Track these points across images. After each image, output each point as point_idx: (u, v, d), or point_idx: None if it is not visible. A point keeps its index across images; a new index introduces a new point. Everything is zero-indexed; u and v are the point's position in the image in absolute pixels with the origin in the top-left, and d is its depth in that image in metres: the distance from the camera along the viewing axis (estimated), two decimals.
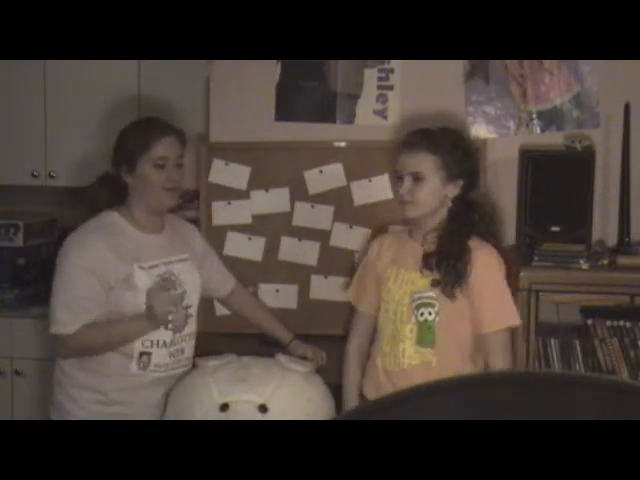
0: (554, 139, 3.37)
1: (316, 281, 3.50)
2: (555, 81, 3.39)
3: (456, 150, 2.75)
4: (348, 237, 3.46)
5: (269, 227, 3.51)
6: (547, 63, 3.37)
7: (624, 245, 3.22)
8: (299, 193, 3.48)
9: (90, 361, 2.70)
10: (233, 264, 3.26)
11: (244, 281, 3.21)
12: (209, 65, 3.56)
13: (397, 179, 2.82)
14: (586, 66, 3.35)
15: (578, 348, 3.18)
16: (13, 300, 3.95)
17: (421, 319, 2.73)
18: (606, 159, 3.33)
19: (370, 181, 3.44)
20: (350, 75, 3.51)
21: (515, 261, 3.06)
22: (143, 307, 2.66)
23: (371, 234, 3.34)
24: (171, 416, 2.65)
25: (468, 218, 2.76)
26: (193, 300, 2.82)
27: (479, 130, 3.44)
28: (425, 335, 2.73)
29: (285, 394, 2.57)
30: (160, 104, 3.67)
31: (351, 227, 3.47)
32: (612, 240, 3.30)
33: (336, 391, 2.79)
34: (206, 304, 3.23)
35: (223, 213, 3.52)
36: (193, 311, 2.82)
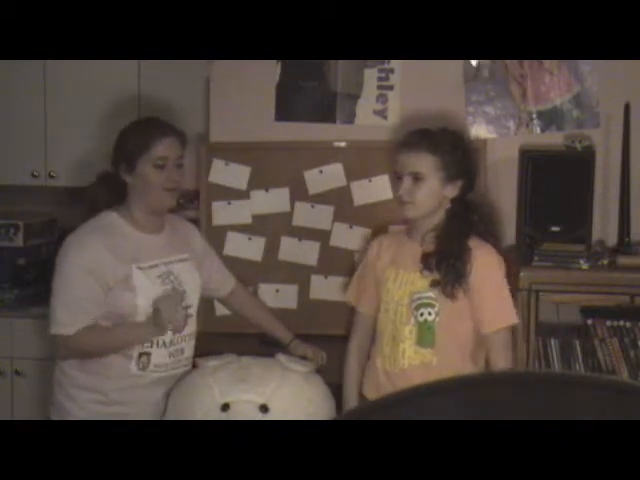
0: (554, 139, 3.37)
1: (316, 281, 3.50)
2: (555, 81, 3.39)
3: (456, 151, 2.75)
4: (348, 237, 3.47)
5: (269, 227, 3.51)
6: (547, 63, 3.38)
7: (624, 245, 3.22)
8: (299, 193, 3.48)
9: (90, 362, 2.69)
10: (233, 264, 3.26)
11: (244, 281, 3.21)
12: (209, 65, 3.56)
13: (396, 179, 2.82)
14: (586, 66, 3.35)
15: (578, 348, 3.18)
16: (13, 300, 3.95)
17: (421, 319, 2.73)
18: (606, 159, 3.33)
19: (370, 181, 3.44)
20: (350, 75, 3.51)
21: (515, 261, 3.07)
22: (141, 308, 2.66)
23: (371, 234, 3.34)
24: (171, 416, 2.65)
25: (467, 218, 2.76)
26: (193, 300, 2.82)
27: (479, 130, 3.44)
28: (425, 335, 2.73)
29: (286, 394, 2.57)
30: (160, 104, 3.67)
31: (351, 227, 3.47)
32: (612, 240, 3.31)
33: (336, 391, 2.79)
34: (206, 304, 3.23)
35: (223, 213, 3.52)
36: (193, 311, 2.82)
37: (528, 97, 3.41)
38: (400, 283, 2.78)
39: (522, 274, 3.05)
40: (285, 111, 3.55)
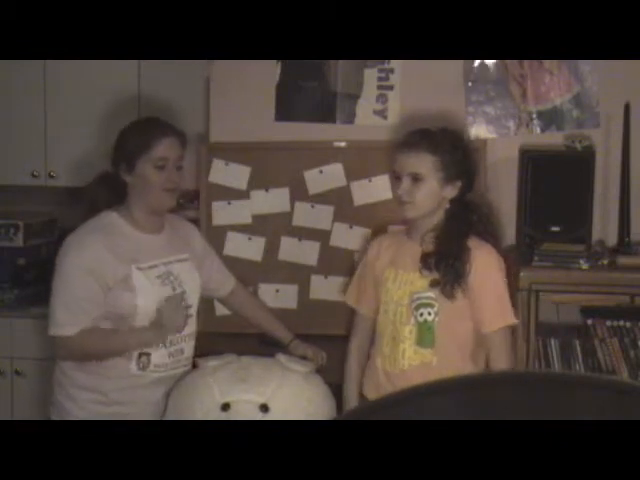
0: (554, 139, 3.37)
1: (316, 281, 3.50)
2: (555, 81, 3.39)
3: (456, 151, 2.75)
4: (348, 237, 3.47)
5: (269, 227, 3.51)
6: (547, 63, 3.38)
7: (624, 245, 3.22)
8: (299, 193, 3.48)
9: (90, 362, 2.69)
10: (233, 264, 3.26)
11: (244, 281, 3.21)
12: (209, 65, 3.56)
13: (395, 179, 2.82)
14: (586, 66, 3.35)
15: (578, 348, 3.18)
16: (13, 300, 3.95)
17: (421, 320, 2.73)
18: (606, 159, 3.33)
19: (370, 181, 3.44)
20: (350, 75, 3.51)
21: (515, 261, 3.07)
22: (140, 308, 2.66)
23: (371, 234, 3.34)
24: (171, 416, 2.65)
25: (466, 218, 2.76)
26: (193, 300, 2.82)
27: (479, 130, 3.44)
28: (425, 336, 2.73)
29: (286, 394, 2.57)
30: (160, 104, 3.67)
31: (351, 227, 3.47)
32: (612, 240, 3.30)
33: (336, 391, 2.79)
34: (206, 304, 3.23)
35: (223, 213, 3.52)
36: (193, 311, 2.82)
37: (528, 97, 3.41)
38: (400, 283, 2.78)
39: (522, 274, 3.05)
40: (285, 111, 3.55)
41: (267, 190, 3.50)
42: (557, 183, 3.21)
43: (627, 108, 3.25)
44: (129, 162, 2.70)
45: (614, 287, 3.09)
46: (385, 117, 3.50)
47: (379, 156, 3.34)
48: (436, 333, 2.72)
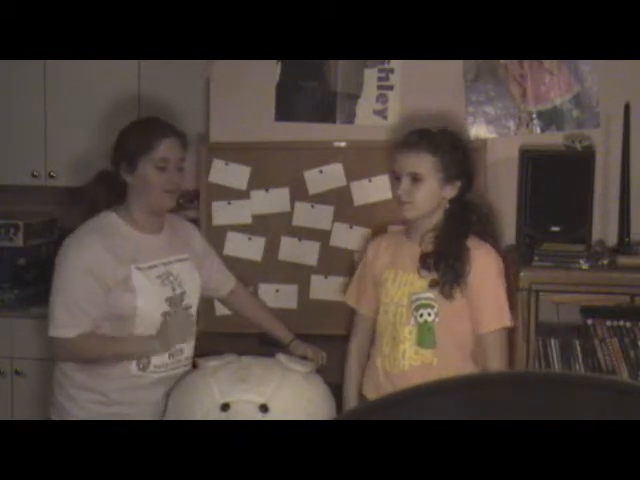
0: (554, 139, 3.37)
1: (316, 281, 3.50)
2: (555, 81, 3.39)
3: (455, 151, 2.75)
4: (348, 237, 3.47)
5: (269, 227, 3.51)
6: (547, 63, 3.38)
7: (624, 245, 3.22)
8: (299, 193, 3.48)
9: (90, 363, 2.69)
10: (233, 264, 3.26)
11: (244, 281, 3.21)
12: (209, 65, 3.56)
13: (395, 179, 2.82)
14: (586, 66, 3.35)
15: (578, 348, 3.18)
16: (13, 300, 3.95)
17: (421, 320, 2.73)
18: (606, 159, 3.33)
19: (370, 181, 3.44)
20: (350, 75, 3.51)
21: (515, 261, 3.07)
22: (140, 309, 2.66)
23: (371, 234, 3.34)
24: (171, 416, 2.65)
25: (465, 218, 2.76)
26: (193, 300, 2.82)
27: (479, 130, 3.44)
28: (425, 336, 2.73)
29: (286, 394, 2.57)
30: (160, 104, 3.67)
31: (351, 227, 3.47)
32: (612, 240, 3.30)
33: (336, 391, 2.79)
34: (206, 304, 3.23)
35: (223, 213, 3.52)
36: (193, 311, 2.82)
37: (528, 97, 3.41)
38: (399, 284, 2.78)
39: (522, 274, 3.04)
40: (285, 111, 3.55)
41: (267, 190, 3.50)
42: (557, 183, 3.20)
43: (627, 108, 3.25)
44: (130, 162, 2.69)
45: (614, 287, 3.09)
46: (385, 117, 3.50)
47: (379, 156, 3.34)
48: (436, 334, 2.72)
